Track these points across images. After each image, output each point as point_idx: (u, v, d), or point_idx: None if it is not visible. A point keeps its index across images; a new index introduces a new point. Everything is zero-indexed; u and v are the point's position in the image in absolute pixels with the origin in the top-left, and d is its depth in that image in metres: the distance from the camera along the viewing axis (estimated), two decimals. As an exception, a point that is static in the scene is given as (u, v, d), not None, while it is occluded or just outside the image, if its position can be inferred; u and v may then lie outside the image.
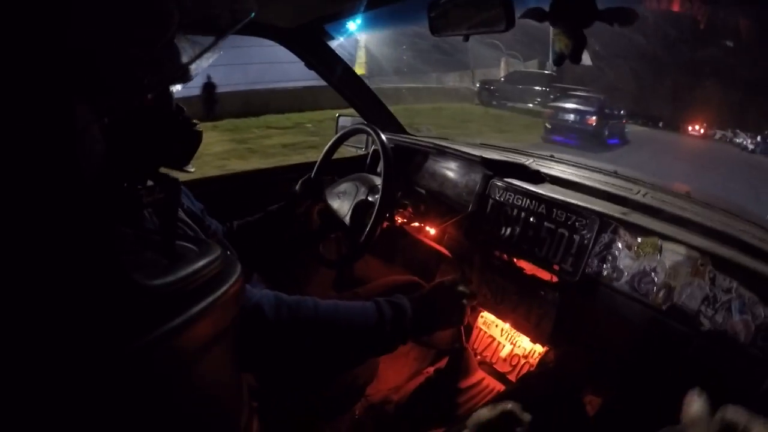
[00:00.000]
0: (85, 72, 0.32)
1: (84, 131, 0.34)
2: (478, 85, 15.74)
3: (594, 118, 10.79)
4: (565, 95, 12.51)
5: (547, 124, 11.11)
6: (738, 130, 15.04)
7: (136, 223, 0.47)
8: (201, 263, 0.40)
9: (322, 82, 1.84)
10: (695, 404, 0.52)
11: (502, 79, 15.80)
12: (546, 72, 15.79)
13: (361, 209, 1.40)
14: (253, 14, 0.46)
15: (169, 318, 0.36)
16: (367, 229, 1.29)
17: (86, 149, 0.34)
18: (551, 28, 0.96)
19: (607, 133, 10.90)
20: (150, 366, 0.35)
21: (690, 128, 15.85)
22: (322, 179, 1.57)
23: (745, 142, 14.14)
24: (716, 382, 0.97)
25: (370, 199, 1.41)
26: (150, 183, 0.61)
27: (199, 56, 0.47)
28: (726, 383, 0.97)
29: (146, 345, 0.34)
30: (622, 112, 12.34)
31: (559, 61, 1.03)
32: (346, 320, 0.96)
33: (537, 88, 14.55)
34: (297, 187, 1.46)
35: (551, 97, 13.30)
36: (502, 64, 16.44)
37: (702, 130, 15.80)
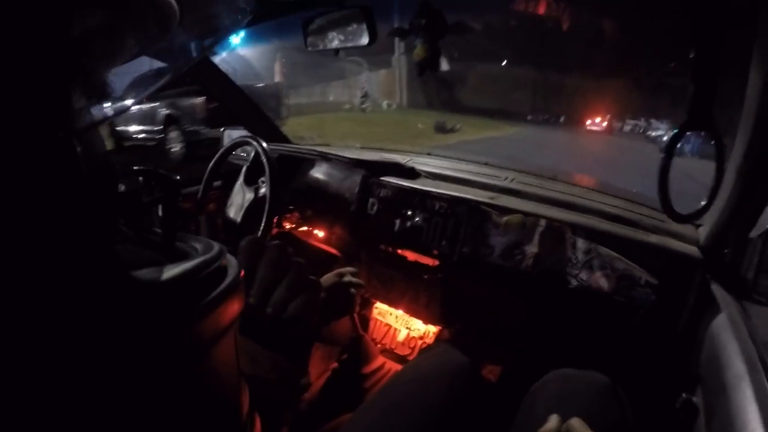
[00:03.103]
0: (86, 70, 0.32)
1: (85, 130, 0.33)
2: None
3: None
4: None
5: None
6: (653, 120, 11.03)
7: (135, 223, 0.46)
8: (201, 260, 0.40)
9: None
10: (551, 421, 0.67)
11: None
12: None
13: (250, 211, 1.46)
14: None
15: (170, 316, 0.36)
16: (262, 227, 1.35)
17: (86, 148, 0.33)
18: (401, 46, 1.14)
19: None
20: (152, 363, 0.35)
21: (589, 122, 13.20)
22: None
23: (666, 137, 9.00)
24: (593, 327, 1.17)
25: (258, 195, 1.47)
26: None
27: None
28: (601, 326, 1.16)
29: (147, 343, 0.34)
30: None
31: (421, 71, 1.19)
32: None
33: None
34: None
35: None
36: (276, 67, 12.46)
37: (603, 123, 13.01)
